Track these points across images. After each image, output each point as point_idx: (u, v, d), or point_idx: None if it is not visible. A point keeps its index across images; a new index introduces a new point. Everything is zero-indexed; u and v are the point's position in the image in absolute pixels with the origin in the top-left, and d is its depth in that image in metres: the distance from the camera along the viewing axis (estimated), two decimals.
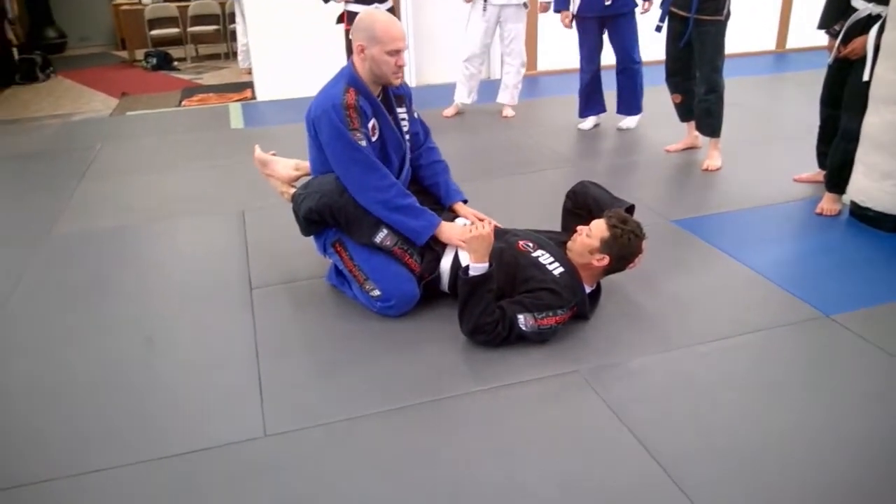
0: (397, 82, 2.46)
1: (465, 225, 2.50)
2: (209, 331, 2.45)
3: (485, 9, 4.79)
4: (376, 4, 4.40)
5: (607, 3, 4.23)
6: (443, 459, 1.82)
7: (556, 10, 4.50)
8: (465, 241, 2.29)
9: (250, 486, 1.74)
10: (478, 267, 2.23)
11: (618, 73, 4.53)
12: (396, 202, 2.39)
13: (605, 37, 4.48)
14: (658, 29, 3.95)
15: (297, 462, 1.82)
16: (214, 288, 2.74)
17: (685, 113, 4.17)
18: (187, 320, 2.53)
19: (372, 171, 2.36)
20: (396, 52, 2.36)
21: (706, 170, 3.89)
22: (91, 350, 2.35)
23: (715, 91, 3.83)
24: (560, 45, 6.10)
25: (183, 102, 6.18)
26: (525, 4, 4.86)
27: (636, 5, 4.33)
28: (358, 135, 2.33)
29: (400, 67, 2.41)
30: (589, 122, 4.72)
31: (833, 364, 2.18)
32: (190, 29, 8.38)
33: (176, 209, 3.57)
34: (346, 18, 4.47)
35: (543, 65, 6.55)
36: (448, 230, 2.46)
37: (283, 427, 1.94)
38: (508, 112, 5.14)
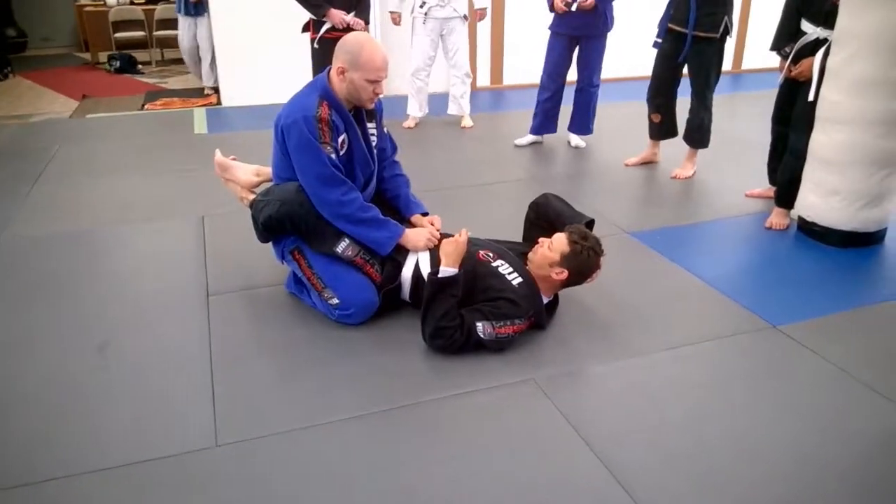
0: (370, 106, 2.49)
1: (428, 229, 2.53)
2: (163, 338, 2.42)
3: (425, 22, 4.89)
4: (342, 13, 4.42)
5: (574, 8, 4.21)
6: (396, 468, 1.82)
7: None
8: (442, 247, 2.31)
9: (199, 497, 1.72)
10: (447, 271, 2.26)
11: (576, 92, 4.62)
12: (359, 215, 2.40)
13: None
14: (656, 45, 4.04)
15: (248, 472, 1.80)
16: (171, 294, 2.71)
17: (661, 133, 4.26)
18: (141, 327, 2.49)
19: (336, 185, 2.37)
20: (376, 81, 2.38)
21: (676, 177, 4.05)
22: (41, 358, 2.31)
23: (707, 107, 3.98)
24: (526, 60, 6.21)
25: (146, 106, 6.10)
26: (465, 17, 4.96)
27: (610, 28, 4.39)
28: (328, 148, 2.34)
29: (377, 94, 2.43)
30: (528, 138, 4.75)
31: (779, 373, 2.25)
32: (156, 32, 8.28)
33: (134, 214, 3.53)
34: (312, 27, 4.47)
35: (509, 79, 6.64)
36: (413, 237, 2.49)
37: (235, 437, 1.93)
38: (467, 122, 5.25)
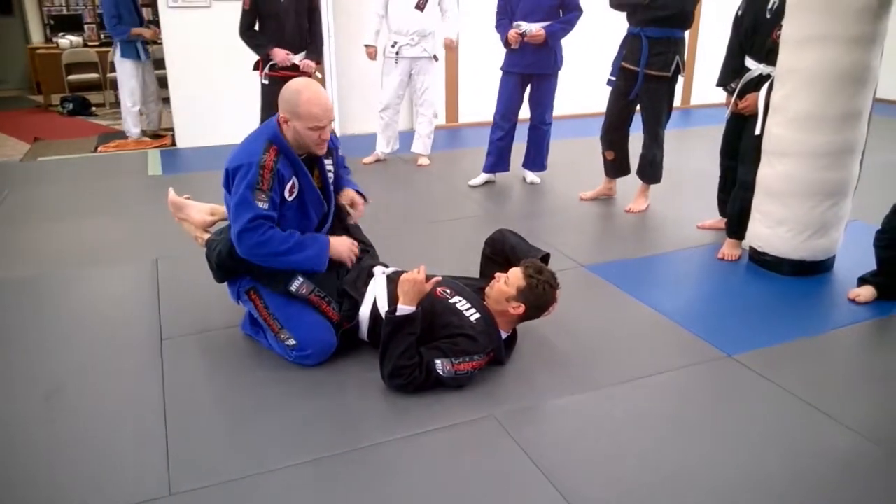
0: (321, 152, 2.46)
1: (348, 240, 2.54)
2: (114, 384, 2.35)
3: (396, 61, 4.97)
4: (289, 54, 4.43)
5: (523, 33, 4.24)
6: None
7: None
8: (400, 285, 2.28)
9: None
10: (405, 309, 2.24)
11: (529, 130, 4.70)
12: (282, 248, 2.34)
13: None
14: (610, 83, 4.13)
15: None
16: (123, 339, 2.64)
17: (615, 170, 4.34)
18: (91, 374, 2.41)
19: (253, 232, 2.31)
20: (319, 129, 2.36)
21: (629, 211, 4.13)
22: None
23: (659, 144, 4.08)
24: (480, 98, 6.32)
25: (99, 148, 6.01)
26: (435, 57, 5.06)
27: (560, 67, 4.49)
28: (262, 196, 2.30)
29: (323, 140, 2.40)
30: (482, 178, 4.77)
31: (735, 402, 2.28)
32: (110, 74, 8.20)
33: (86, 258, 3.44)
34: (261, 65, 4.47)
35: (464, 117, 6.74)
36: (337, 245, 2.48)
37: (189, 485, 1.86)
38: (423, 161, 5.29)
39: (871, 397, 2.31)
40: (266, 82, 4.46)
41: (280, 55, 4.40)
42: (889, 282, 2.94)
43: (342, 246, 2.50)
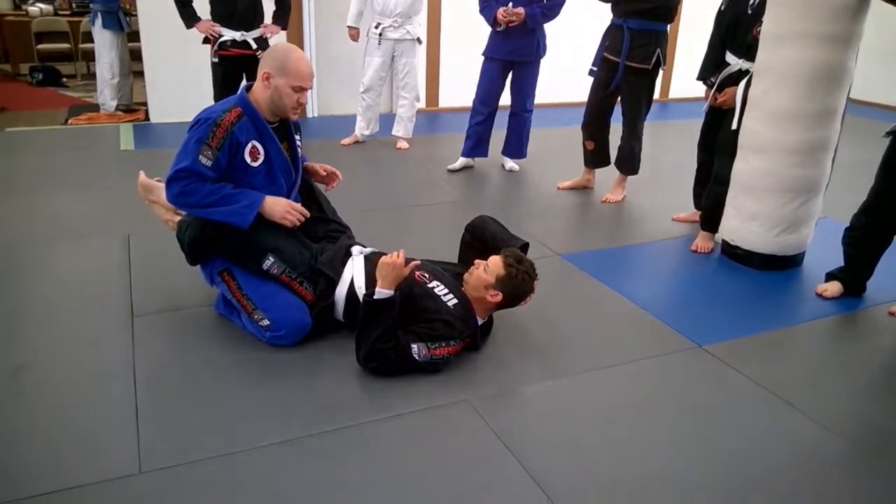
0: (294, 117, 2.48)
1: (287, 201, 2.46)
2: (84, 360, 2.31)
3: (379, 43, 4.94)
4: (242, 32, 4.29)
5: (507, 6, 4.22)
6: (329, 493, 1.78)
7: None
8: (378, 268, 2.27)
9: None
10: (382, 292, 2.24)
11: (510, 117, 4.69)
12: (205, 200, 2.30)
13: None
14: (591, 73, 4.13)
15: (173, 500, 1.73)
16: (92, 315, 2.59)
17: (595, 160, 4.35)
18: (60, 350, 2.37)
19: (180, 181, 2.28)
20: (301, 90, 2.37)
21: (606, 201, 4.16)
22: None
23: (637, 136, 4.10)
24: (461, 83, 6.29)
25: (70, 121, 5.86)
26: (419, 40, 5.04)
27: (542, 55, 4.49)
28: (208, 153, 2.28)
29: (300, 104, 2.42)
30: (461, 162, 4.77)
31: (705, 391, 2.32)
32: (82, 45, 8.00)
33: (55, 232, 3.36)
34: (212, 41, 4.34)
35: (445, 102, 6.71)
36: (270, 206, 2.37)
37: (160, 463, 1.85)
38: (403, 144, 5.27)
39: (836, 390, 2.36)
40: (216, 60, 4.32)
41: (204, 26, 4.28)
42: (855, 278, 3.01)
43: (277, 205, 2.40)
